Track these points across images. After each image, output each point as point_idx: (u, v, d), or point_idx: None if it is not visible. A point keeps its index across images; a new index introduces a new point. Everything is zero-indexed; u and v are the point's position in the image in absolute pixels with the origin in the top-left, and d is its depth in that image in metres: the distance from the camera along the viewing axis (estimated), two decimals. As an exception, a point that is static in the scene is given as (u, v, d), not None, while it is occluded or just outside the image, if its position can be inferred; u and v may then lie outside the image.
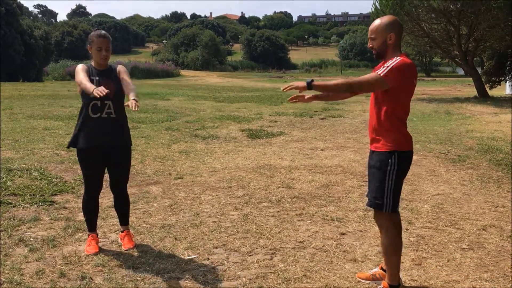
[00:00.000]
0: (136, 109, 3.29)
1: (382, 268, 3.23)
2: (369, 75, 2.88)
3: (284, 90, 2.97)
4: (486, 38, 18.96)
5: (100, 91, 3.15)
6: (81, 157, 3.67)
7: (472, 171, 6.56)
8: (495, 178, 6.14)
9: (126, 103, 3.44)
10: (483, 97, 19.29)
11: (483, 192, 5.52)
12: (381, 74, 2.81)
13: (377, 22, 2.95)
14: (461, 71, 47.16)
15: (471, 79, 21.88)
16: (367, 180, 3.16)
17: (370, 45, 3.00)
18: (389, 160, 2.90)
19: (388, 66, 2.82)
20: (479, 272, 3.43)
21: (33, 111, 12.53)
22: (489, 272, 3.44)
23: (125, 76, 3.68)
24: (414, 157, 7.34)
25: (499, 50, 19.76)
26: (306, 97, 3.26)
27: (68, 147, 3.77)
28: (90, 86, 3.30)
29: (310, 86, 2.82)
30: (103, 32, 3.63)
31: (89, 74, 3.59)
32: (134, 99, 3.37)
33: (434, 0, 16.68)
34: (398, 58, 2.86)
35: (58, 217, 4.47)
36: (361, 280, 3.28)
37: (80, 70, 3.56)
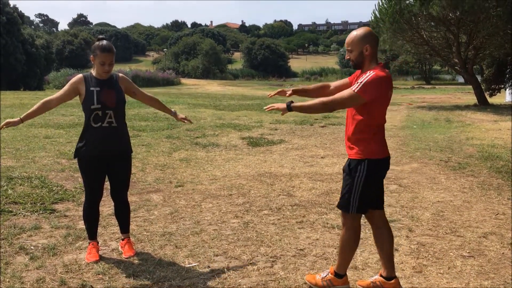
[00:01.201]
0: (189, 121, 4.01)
1: (381, 275, 3.26)
2: (344, 93, 3.01)
3: (266, 110, 3.24)
4: (485, 46, 19.01)
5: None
6: (82, 165, 3.68)
7: (473, 178, 6.56)
8: (496, 186, 6.14)
9: (181, 118, 3.98)
10: (483, 105, 19.31)
11: (484, 200, 5.52)
12: (355, 90, 2.95)
13: (353, 34, 3.07)
14: (461, 79, 47.23)
15: (471, 86, 21.91)
16: None
17: (348, 57, 3.13)
18: (358, 167, 3.07)
19: (362, 82, 2.94)
20: (480, 280, 3.43)
21: (34, 119, 12.53)
22: (490, 279, 3.44)
23: (136, 91, 3.86)
24: (415, 165, 7.38)
25: (498, 58, 19.82)
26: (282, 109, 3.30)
27: (74, 157, 3.77)
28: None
29: (289, 108, 3.07)
30: (107, 46, 3.58)
31: (87, 85, 3.61)
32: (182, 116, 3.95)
33: (433, 9, 16.76)
34: (371, 72, 2.97)
35: (58, 225, 4.48)
36: (362, 287, 3.30)
37: (68, 84, 3.67)
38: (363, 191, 3.09)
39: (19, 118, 3.62)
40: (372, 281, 3.30)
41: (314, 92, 3.48)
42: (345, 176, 3.18)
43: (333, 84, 3.46)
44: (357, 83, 2.97)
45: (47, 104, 3.68)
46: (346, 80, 3.37)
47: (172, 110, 4.01)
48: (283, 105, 3.10)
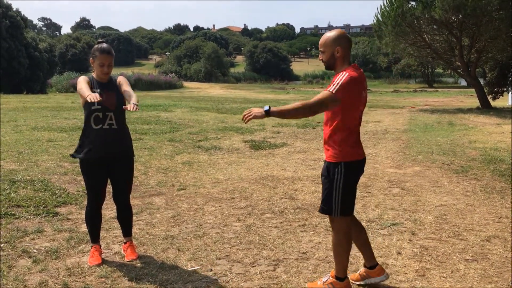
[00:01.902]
0: (134, 109, 3.34)
1: (365, 266, 3.43)
2: (321, 95, 3.02)
3: (245, 122, 3.08)
4: (488, 49, 19.00)
5: (93, 96, 3.20)
6: (84, 168, 3.69)
7: (475, 181, 6.55)
8: (499, 189, 6.12)
9: (125, 106, 3.50)
10: (485, 108, 19.28)
11: (487, 203, 5.50)
12: (332, 91, 2.97)
13: (326, 36, 3.12)
14: (463, 82, 47.25)
15: (473, 90, 21.91)
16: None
17: (321, 58, 3.16)
18: (336, 169, 3.08)
19: (337, 83, 2.98)
20: (483, 283, 3.42)
21: (37, 123, 12.58)
22: (493, 283, 3.43)
23: (126, 88, 3.71)
24: (417, 168, 7.37)
25: (501, 61, 19.80)
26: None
27: (70, 156, 3.79)
28: (86, 92, 3.36)
29: (268, 113, 2.98)
30: (106, 48, 3.63)
31: (91, 86, 3.63)
32: (134, 103, 3.41)
33: (435, 12, 16.76)
34: (345, 73, 3.01)
35: (61, 229, 4.48)
36: (354, 282, 3.43)
37: (82, 80, 3.60)
38: (344, 193, 3.10)
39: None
40: (360, 273, 3.44)
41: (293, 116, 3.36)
42: (324, 179, 3.19)
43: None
44: (333, 84, 3.00)
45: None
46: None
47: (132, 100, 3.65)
48: (261, 112, 3.00)
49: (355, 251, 4.00)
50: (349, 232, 3.24)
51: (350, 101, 3.02)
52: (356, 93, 3.05)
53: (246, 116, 3.06)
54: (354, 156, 3.12)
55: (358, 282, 3.42)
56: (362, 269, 3.46)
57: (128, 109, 3.39)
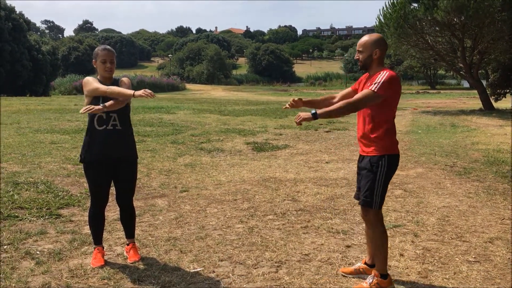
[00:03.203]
0: (152, 96, 3.33)
1: (365, 263, 3.54)
2: (364, 93, 3.18)
3: (297, 123, 3.26)
4: (490, 51, 18.99)
5: (148, 93, 3.32)
6: (88, 170, 3.70)
7: (478, 183, 6.54)
8: (501, 191, 6.11)
9: (140, 93, 3.37)
10: (488, 110, 19.26)
11: (489, 205, 5.49)
12: (375, 90, 3.14)
13: (366, 38, 3.33)
14: (466, 84, 47.12)
15: (476, 91, 21.87)
16: (357, 181, 3.48)
17: (357, 57, 3.36)
18: (380, 162, 3.23)
19: (379, 82, 3.15)
20: (486, 285, 3.41)
21: (40, 125, 12.63)
22: (496, 285, 3.42)
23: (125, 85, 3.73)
24: (420, 170, 7.37)
25: (503, 62, 19.78)
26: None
27: (80, 162, 3.77)
28: (102, 87, 3.48)
29: (315, 115, 3.17)
30: (107, 46, 3.73)
31: None
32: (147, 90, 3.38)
33: (438, 13, 16.76)
34: (386, 72, 3.20)
35: (64, 230, 4.49)
36: (345, 275, 3.55)
37: (92, 80, 3.62)
38: (384, 186, 3.26)
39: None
40: (355, 268, 3.56)
41: (321, 102, 3.61)
42: (366, 173, 3.28)
43: (338, 94, 3.62)
44: (375, 83, 3.15)
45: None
46: (349, 89, 3.56)
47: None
48: (308, 114, 3.20)
49: (357, 252, 4.01)
50: (384, 224, 3.37)
51: (391, 97, 3.20)
52: (396, 91, 3.23)
53: (298, 120, 3.23)
54: (396, 150, 3.30)
55: (351, 276, 3.53)
56: (360, 265, 3.57)
57: (146, 95, 3.34)
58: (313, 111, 3.19)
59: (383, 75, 3.17)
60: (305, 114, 3.21)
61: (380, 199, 3.26)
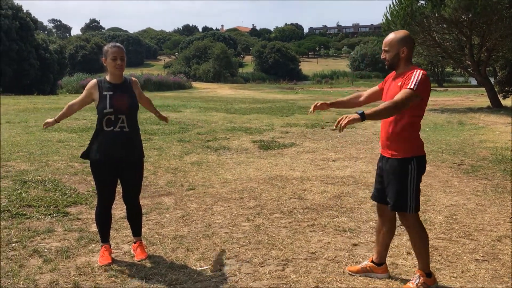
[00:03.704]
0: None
1: (372, 261, 3.52)
2: (404, 94, 3.03)
3: (342, 127, 2.96)
4: (498, 48, 18.84)
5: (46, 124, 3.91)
6: (94, 169, 3.71)
7: (486, 181, 6.49)
8: (510, 189, 6.07)
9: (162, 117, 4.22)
10: (496, 107, 19.12)
11: (497, 203, 5.46)
12: (414, 89, 3.02)
13: (392, 36, 3.21)
14: (474, 81, 46.79)
15: (484, 89, 21.72)
16: (376, 182, 3.44)
17: (384, 56, 3.25)
18: (409, 166, 3.15)
19: (416, 81, 3.04)
20: (494, 284, 3.39)
21: (48, 123, 12.67)
22: (504, 283, 3.40)
23: (142, 96, 3.97)
24: (427, 168, 7.30)
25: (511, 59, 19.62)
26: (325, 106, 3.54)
27: (80, 157, 3.83)
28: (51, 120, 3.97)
29: (363, 117, 2.95)
30: (117, 43, 3.74)
31: (100, 90, 3.65)
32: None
33: (445, 11, 16.64)
34: (419, 71, 3.09)
35: (71, 228, 4.52)
36: (352, 274, 3.53)
37: (84, 90, 3.81)
38: (417, 189, 3.19)
39: (53, 119, 3.95)
40: (362, 266, 3.54)
41: (349, 103, 3.60)
42: (395, 177, 3.19)
43: (365, 93, 3.58)
44: (412, 82, 3.04)
45: (71, 107, 3.91)
46: (376, 88, 3.52)
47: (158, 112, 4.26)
48: (356, 116, 2.96)
49: (364, 251, 3.99)
50: (422, 225, 3.32)
51: (426, 97, 3.12)
52: (429, 90, 3.15)
53: (343, 123, 2.95)
54: (423, 151, 3.24)
55: (357, 274, 3.52)
56: (367, 263, 3.54)
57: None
58: (360, 111, 2.97)
59: (418, 74, 3.06)
60: (351, 115, 2.97)
61: (415, 202, 3.19)
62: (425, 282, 3.25)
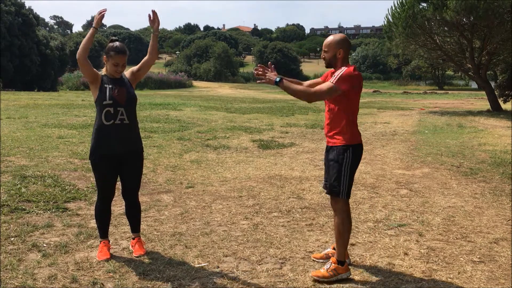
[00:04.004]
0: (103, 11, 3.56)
1: (334, 248, 3.68)
2: (324, 85, 3.40)
3: (256, 75, 3.52)
4: (499, 52, 18.87)
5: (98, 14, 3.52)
6: (96, 164, 3.72)
7: (484, 184, 6.51)
8: (508, 192, 6.09)
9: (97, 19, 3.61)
10: (496, 111, 19.14)
11: (495, 205, 5.48)
12: (333, 82, 3.37)
13: (330, 38, 3.54)
14: (474, 85, 46.85)
15: (484, 92, 21.74)
16: (325, 171, 3.66)
17: (323, 56, 3.57)
18: (345, 154, 3.44)
19: (337, 75, 3.38)
20: (490, 285, 3.41)
21: (48, 120, 12.70)
22: (500, 285, 3.42)
23: (139, 66, 3.90)
24: (426, 170, 7.35)
25: (512, 63, 19.64)
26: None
27: (89, 159, 3.78)
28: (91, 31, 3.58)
29: (277, 83, 3.40)
30: (121, 48, 3.68)
31: (102, 81, 3.67)
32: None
33: (447, 13, 16.66)
34: (344, 68, 3.42)
35: (70, 224, 4.53)
36: (316, 260, 3.77)
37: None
38: (351, 175, 3.47)
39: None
40: (325, 253, 3.81)
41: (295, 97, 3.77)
42: (333, 163, 3.48)
43: (306, 82, 3.87)
44: (334, 77, 3.39)
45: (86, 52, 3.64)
46: (319, 79, 3.82)
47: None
48: (274, 78, 3.41)
49: (361, 250, 4.01)
50: (349, 213, 3.58)
51: (349, 90, 3.39)
52: (354, 85, 3.41)
53: (260, 74, 3.47)
54: (358, 139, 3.53)
55: (321, 260, 3.75)
56: (329, 250, 3.83)
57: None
58: (279, 78, 3.39)
59: (341, 70, 3.39)
60: (271, 76, 3.42)
61: (347, 188, 3.47)
62: (336, 269, 3.45)
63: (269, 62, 3.70)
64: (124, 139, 3.69)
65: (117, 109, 3.63)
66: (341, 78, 3.35)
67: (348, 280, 3.46)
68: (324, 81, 3.61)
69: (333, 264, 3.47)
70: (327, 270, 3.45)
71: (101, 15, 3.60)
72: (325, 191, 3.64)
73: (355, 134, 3.51)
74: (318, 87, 3.43)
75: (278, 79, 3.39)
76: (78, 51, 3.63)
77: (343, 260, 3.49)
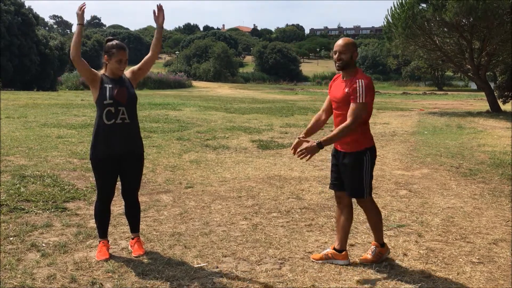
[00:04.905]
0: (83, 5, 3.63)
1: (334, 248, 3.76)
2: (356, 109, 3.45)
3: (305, 160, 3.57)
4: (499, 53, 18.87)
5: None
6: (95, 164, 3.72)
7: (484, 185, 6.52)
8: (507, 193, 6.09)
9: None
10: (495, 112, 19.15)
11: (494, 206, 5.48)
12: (364, 101, 3.44)
13: (346, 40, 3.61)
14: (473, 86, 46.83)
15: (483, 93, 21.75)
16: (332, 172, 3.87)
17: (339, 58, 3.55)
18: (364, 158, 3.60)
19: (362, 91, 3.44)
20: (489, 286, 3.41)
21: (47, 119, 12.69)
22: (499, 286, 3.42)
23: (140, 65, 3.89)
24: (425, 170, 7.36)
25: (512, 64, 19.65)
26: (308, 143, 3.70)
27: (90, 159, 3.78)
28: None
29: (320, 146, 3.46)
30: (122, 44, 3.72)
31: (102, 81, 3.67)
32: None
33: (446, 14, 16.67)
34: (362, 80, 3.47)
35: (70, 224, 4.53)
36: (315, 261, 3.77)
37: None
38: (371, 176, 3.66)
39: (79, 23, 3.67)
40: (325, 253, 3.79)
41: (313, 129, 4.02)
42: (352, 170, 3.60)
43: (321, 111, 3.94)
44: (359, 94, 3.44)
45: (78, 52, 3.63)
46: (327, 99, 3.87)
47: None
48: (314, 148, 3.45)
49: (360, 251, 4.01)
50: (375, 203, 3.87)
51: (370, 101, 3.53)
52: (374, 93, 3.56)
53: (301, 155, 3.47)
54: (373, 142, 3.71)
55: (320, 261, 3.75)
56: (328, 250, 3.80)
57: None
58: (317, 142, 3.45)
59: (362, 84, 3.44)
60: (310, 147, 3.44)
61: (369, 188, 3.68)
62: (381, 251, 3.75)
63: (300, 137, 3.83)
64: (125, 138, 3.69)
65: (118, 108, 3.63)
66: (365, 93, 3.44)
67: (347, 280, 3.46)
68: (329, 93, 3.76)
69: (377, 248, 3.75)
70: (372, 255, 3.74)
71: (82, 10, 3.61)
72: (333, 190, 3.86)
73: (370, 137, 3.67)
74: (352, 114, 3.45)
75: (319, 144, 3.44)
76: (71, 51, 3.63)
77: (383, 242, 3.79)
